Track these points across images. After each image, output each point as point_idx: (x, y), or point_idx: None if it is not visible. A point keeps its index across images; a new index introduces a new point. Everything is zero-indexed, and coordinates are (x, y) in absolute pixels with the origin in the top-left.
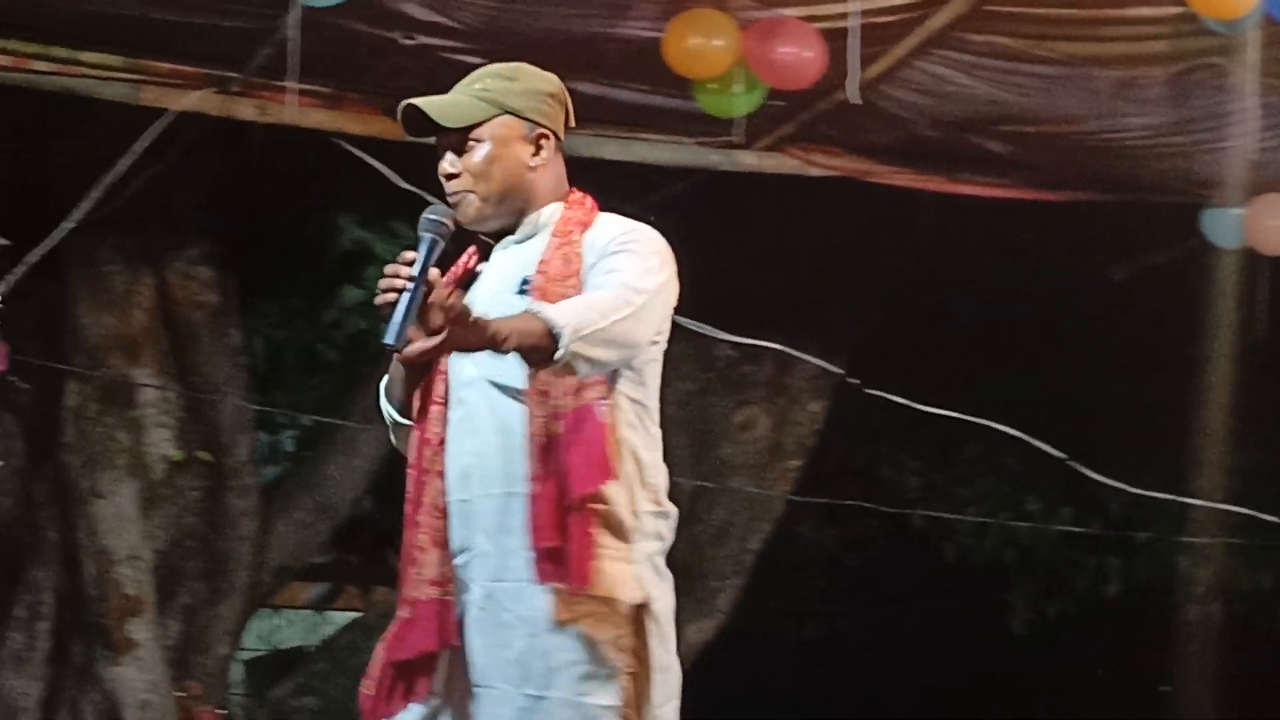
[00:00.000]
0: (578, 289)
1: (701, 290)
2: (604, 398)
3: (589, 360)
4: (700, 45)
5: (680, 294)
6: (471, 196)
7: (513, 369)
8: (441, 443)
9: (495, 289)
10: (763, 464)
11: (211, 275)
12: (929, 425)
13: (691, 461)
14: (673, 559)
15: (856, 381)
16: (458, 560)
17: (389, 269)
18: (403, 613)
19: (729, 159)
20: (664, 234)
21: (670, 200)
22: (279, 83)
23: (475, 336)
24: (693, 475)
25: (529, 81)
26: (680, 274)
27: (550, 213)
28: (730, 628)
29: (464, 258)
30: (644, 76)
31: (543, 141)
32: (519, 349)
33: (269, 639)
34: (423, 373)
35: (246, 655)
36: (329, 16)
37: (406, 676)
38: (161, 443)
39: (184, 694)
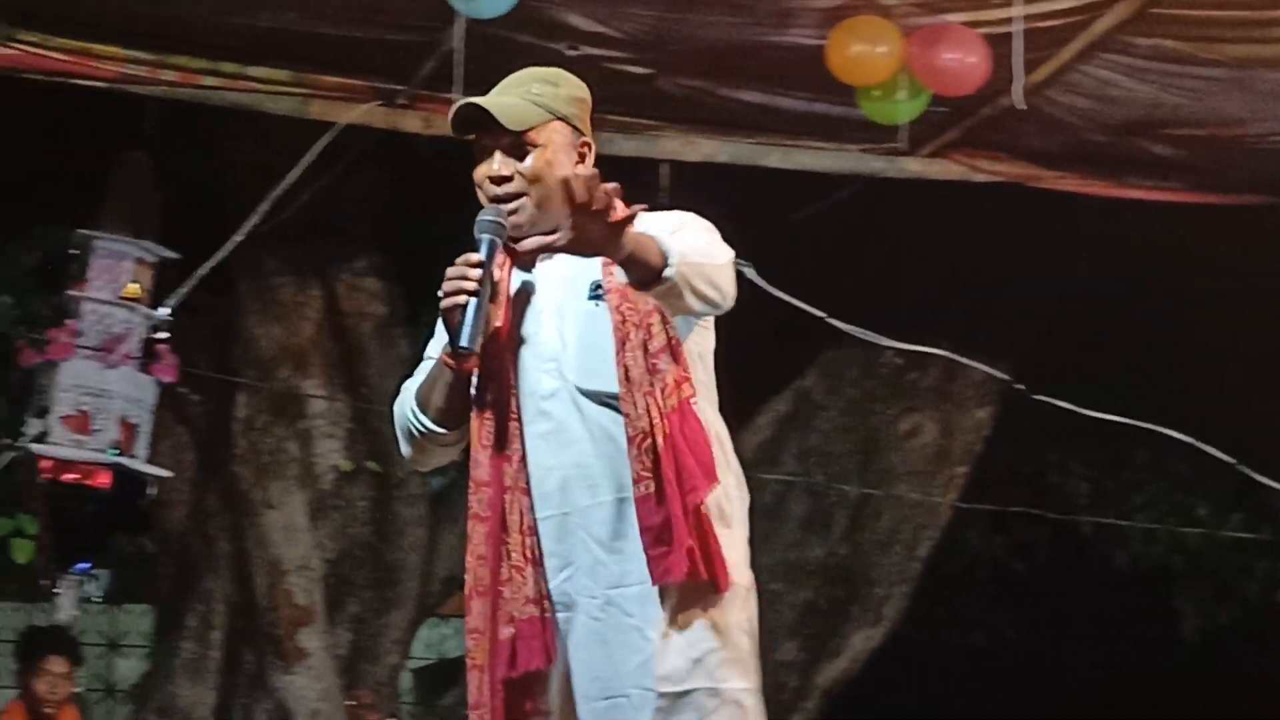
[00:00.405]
0: None
1: (866, 297)
2: (695, 396)
3: (692, 289)
4: (864, 52)
5: (845, 301)
6: (526, 201)
7: (602, 374)
8: (523, 459)
9: (561, 297)
10: (929, 471)
11: (379, 286)
12: (1097, 431)
13: (857, 469)
14: (840, 566)
15: (1023, 387)
16: (561, 576)
17: (454, 272)
18: (504, 632)
19: (893, 165)
20: (828, 240)
21: (834, 207)
22: (444, 95)
23: (600, 229)
24: (859, 483)
25: (571, 89)
26: (845, 281)
27: None
28: (898, 635)
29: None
30: (807, 84)
31: (585, 150)
32: (631, 260)
33: (438, 648)
34: (465, 380)
35: (415, 664)
36: (493, 28)
37: (520, 697)
38: (331, 453)
39: (354, 703)
